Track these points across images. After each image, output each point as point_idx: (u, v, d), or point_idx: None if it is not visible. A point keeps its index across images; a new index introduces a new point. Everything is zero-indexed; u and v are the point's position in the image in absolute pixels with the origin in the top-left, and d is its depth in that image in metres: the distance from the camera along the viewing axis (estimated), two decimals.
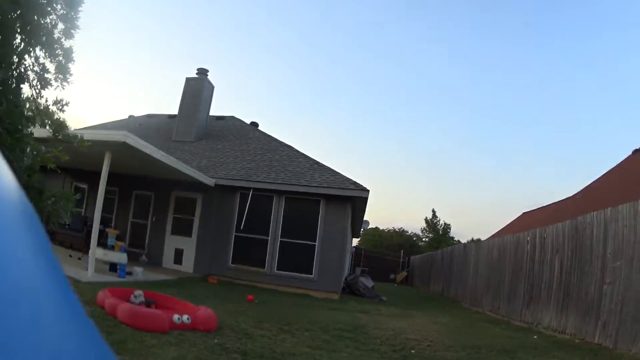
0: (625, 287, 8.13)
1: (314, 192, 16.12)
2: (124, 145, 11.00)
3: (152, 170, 15.12)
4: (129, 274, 12.08)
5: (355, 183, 16.21)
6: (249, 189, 16.62)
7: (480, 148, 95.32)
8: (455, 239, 52.17)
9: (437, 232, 54.07)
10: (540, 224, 14.01)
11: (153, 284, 11.81)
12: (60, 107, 4.60)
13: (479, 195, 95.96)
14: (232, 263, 16.61)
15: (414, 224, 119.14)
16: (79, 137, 4.94)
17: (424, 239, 56.42)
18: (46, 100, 4.44)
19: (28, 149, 4.21)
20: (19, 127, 4.00)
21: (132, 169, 15.75)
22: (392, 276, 36.83)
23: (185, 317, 6.99)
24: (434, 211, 54.87)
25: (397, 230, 60.91)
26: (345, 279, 19.40)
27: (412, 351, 7.96)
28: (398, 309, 14.72)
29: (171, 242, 17.43)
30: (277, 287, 15.68)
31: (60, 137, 4.78)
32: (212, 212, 17.01)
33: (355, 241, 38.48)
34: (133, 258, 16.11)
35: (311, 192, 16.14)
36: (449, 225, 54.15)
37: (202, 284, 14.34)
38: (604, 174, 24.18)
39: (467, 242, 20.79)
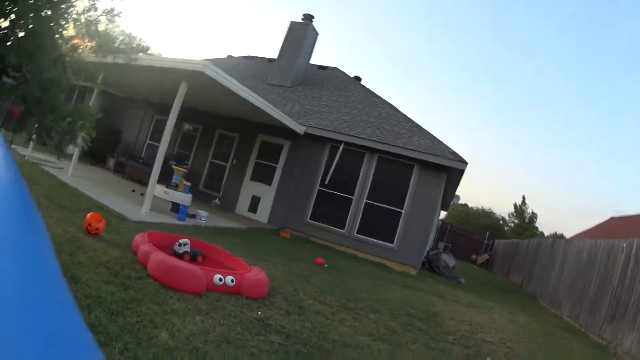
0: None
1: (409, 156, 15.14)
2: (203, 76, 10.15)
3: (237, 109, 14.62)
4: (192, 216, 11.27)
5: (454, 153, 15.02)
6: (340, 142, 15.79)
7: (585, 144, 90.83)
8: (540, 229, 50.08)
9: (524, 219, 52.14)
10: (629, 233, 12.35)
11: (216, 230, 11.10)
12: (111, 18, 3.77)
13: (569, 190, 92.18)
14: (310, 219, 15.99)
15: (501, 207, 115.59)
16: (129, 54, 4.07)
17: (509, 224, 54.47)
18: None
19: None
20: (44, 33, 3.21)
21: (216, 107, 15.43)
22: (473, 257, 35.42)
23: (229, 278, 5.88)
24: (524, 198, 52.86)
25: (485, 210, 59.04)
26: (427, 253, 18.35)
27: (488, 359, 6.92)
28: (476, 297, 13.55)
29: (249, 189, 16.99)
30: (354, 251, 15.01)
31: (105, 49, 3.92)
32: (298, 161, 16.38)
33: (442, 214, 37.27)
34: (206, 201, 16.13)
35: (406, 155, 15.16)
36: (536, 215, 52.17)
37: (272, 237, 13.66)
38: None
39: (555, 237, 19.08)
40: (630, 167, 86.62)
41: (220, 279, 5.76)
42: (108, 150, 18.22)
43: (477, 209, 59.73)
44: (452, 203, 27.79)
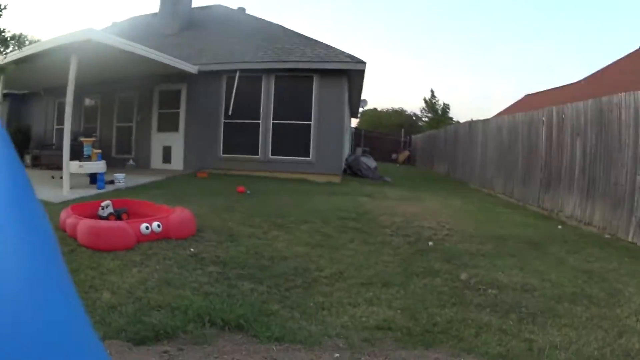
0: None
1: (306, 68, 14.96)
2: (90, 43, 9.87)
3: (129, 68, 14.00)
4: (111, 182, 11.10)
5: (350, 56, 15.01)
6: (234, 71, 15.33)
7: (480, 22, 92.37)
8: (455, 119, 51.33)
9: (436, 112, 53.24)
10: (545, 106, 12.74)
11: (136, 188, 10.96)
12: None
13: (476, 75, 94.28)
14: (223, 153, 15.78)
15: (412, 105, 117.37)
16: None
17: (423, 119, 55.41)
18: None
19: None
20: None
21: (110, 72, 14.76)
22: (393, 156, 35.91)
23: (155, 224, 5.93)
24: (432, 91, 53.88)
25: (396, 110, 59.70)
26: (346, 160, 18.49)
27: (430, 243, 7.03)
28: (405, 190, 13.82)
29: (158, 141, 16.68)
30: (273, 174, 14.89)
31: None
32: (199, 101, 16.00)
33: (354, 122, 37.52)
34: (121, 165, 15.58)
35: (302, 68, 14.97)
36: (448, 105, 53.35)
37: (191, 180, 13.46)
38: (613, 62, 23.09)
39: (471, 120, 19.44)
40: (537, 47, 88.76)
41: (147, 227, 5.84)
42: (22, 149, 17.64)
43: (387, 110, 60.27)
44: (360, 108, 27.96)
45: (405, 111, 59.29)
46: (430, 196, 12.62)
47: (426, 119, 54.55)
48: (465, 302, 4.66)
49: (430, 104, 53.96)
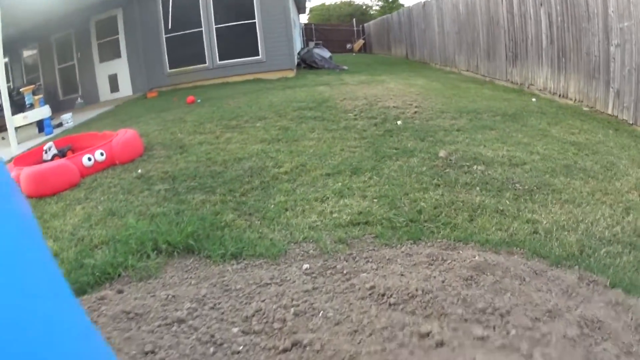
0: None
1: None
2: None
3: (58, 6, 12.63)
4: (59, 125, 10.56)
5: None
6: None
7: None
8: (406, 5, 49.76)
9: (386, 0, 51.05)
10: None
11: (86, 124, 10.31)
12: None
13: None
14: (170, 69, 14.63)
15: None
16: None
17: (374, 8, 53.68)
18: None
19: None
20: None
21: (40, 17, 13.34)
22: (348, 46, 34.63)
23: (97, 152, 5.30)
24: None
25: (344, 1, 57.70)
26: (299, 54, 17.36)
27: (398, 122, 6.37)
28: (364, 75, 13.00)
29: (103, 71, 15.43)
30: (225, 79, 13.91)
31: None
32: (136, 22, 14.62)
33: (303, 19, 36.02)
34: (70, 106, 14.62)
35: None
36: None
37: (140, 102, 12.55)
38: None
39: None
40: None
41: (90, 159, 5.28)
42: None
43: (335, 2, 58.25)
44: (307, 1, 26.50)
45: (354, 1, 57.44)
46: (392, 78, 11.86)
47: (377, 8, 52.82)
48: (450, 182, 4.06)
49: None
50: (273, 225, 3.42)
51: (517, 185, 3.96)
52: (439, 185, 3.97)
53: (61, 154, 6.15)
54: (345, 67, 16.36)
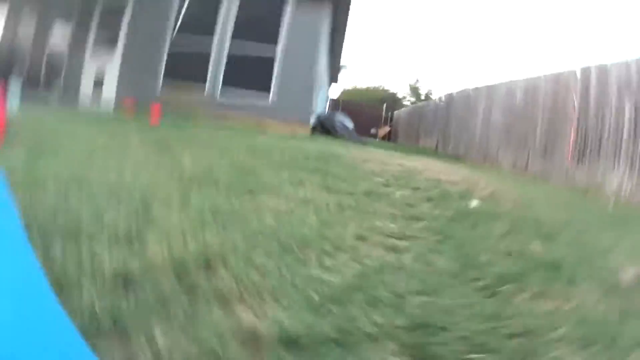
0: None
1: None
2: None
3: None
4: None
5: None
6: None
7: None
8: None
9: (419, 96, 51.27)
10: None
11: None
12: None
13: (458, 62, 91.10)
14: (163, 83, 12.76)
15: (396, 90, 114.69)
16: None
17: (407, 100, 53.23)
18: None
19: None
20: None
21: None
22: (372, 130, 33.18)
23: None
24: (417, 79, 52.57)
25: (377, 88, 57.19)
26: (319, 116, 15.25)
27: (473, 203, 4.35)
28: (394, 152, 11.06)
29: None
30: (224, 111, 11.66)
31: None
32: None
33: (332, 94, 34.89)
34: None
35: None
36: (431, 91, 50.90)
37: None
38: None
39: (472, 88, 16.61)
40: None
41: None
42: None
43: (368, 87, 57.80)
44: (340, 67, 25.84)
45: (387, 90, 56.93)
46: (429, 161, 9.90)
47: (409, 102, 52.36)
48: None
49: (414, 89, 52.53)
50: None
51: None
52: None
53: None
54: (368, 141, 14.52)
